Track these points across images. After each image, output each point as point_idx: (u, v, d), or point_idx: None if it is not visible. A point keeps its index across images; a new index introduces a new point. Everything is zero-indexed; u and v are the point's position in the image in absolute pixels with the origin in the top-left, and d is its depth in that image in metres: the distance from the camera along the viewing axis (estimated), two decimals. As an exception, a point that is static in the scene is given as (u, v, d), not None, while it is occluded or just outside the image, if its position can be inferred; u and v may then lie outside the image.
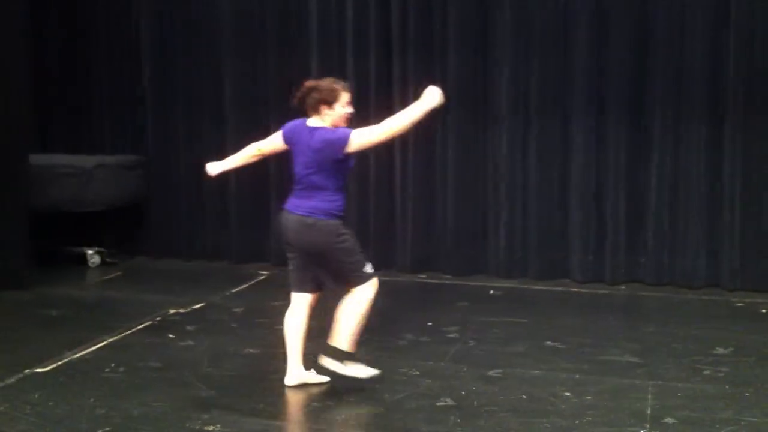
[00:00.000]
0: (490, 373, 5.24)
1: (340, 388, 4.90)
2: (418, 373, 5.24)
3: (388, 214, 8.05)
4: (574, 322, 6.39)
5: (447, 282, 7.74)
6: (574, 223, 7.60)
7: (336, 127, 4.73)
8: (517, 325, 6.30)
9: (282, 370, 4.98)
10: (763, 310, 6.72)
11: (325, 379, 4.95)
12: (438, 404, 4.74)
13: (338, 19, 7.97)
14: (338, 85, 4.76)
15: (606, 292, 7.36)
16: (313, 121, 4.77)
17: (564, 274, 7.64)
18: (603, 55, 7.41)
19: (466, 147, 7.78)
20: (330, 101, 4.71)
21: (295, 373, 4.95)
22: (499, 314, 6.60)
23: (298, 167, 4.80)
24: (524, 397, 4.85)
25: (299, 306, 4.93)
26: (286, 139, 4.90)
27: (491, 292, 7.38)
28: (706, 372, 5.27)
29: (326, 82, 4.76)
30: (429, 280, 7.81)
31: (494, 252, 7.84)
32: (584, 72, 7.44)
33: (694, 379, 5.14)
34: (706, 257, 7.34)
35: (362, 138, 4.66)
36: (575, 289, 7.43)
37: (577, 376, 5.17)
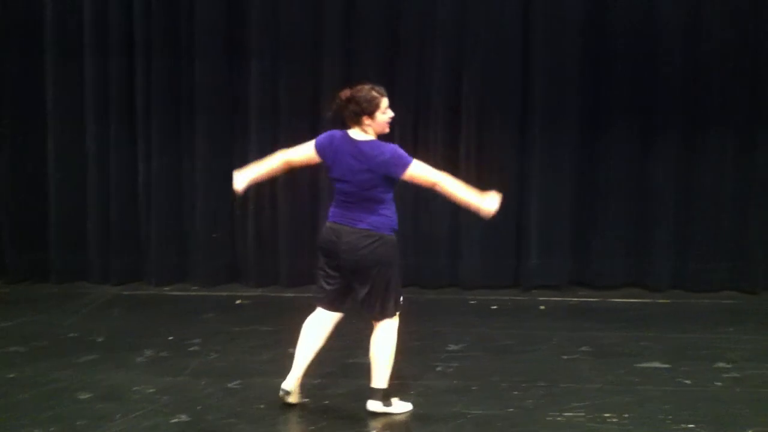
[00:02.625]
0: (230, 384, 5.18)
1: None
2: (153, 390, 5.07)
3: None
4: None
5: (194, 294, 7.57)
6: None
7: (378, 133, 4.59)
8: (263, 334, 6.27)
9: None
10: (494, 306, 7.13)
11: (298, 401, 4.83)
12: (172, 421, 4.62)
13: (77, 19, 7.61)
14: (376, 92, 4.55)
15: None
16: (356, 134, 4.57)
17: (312, 280, 7.68)
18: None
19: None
20: (371, 111, 4.52)
21: (293, 382, 4.77)
22: (246, 324, 6.54)
23: (347, 181, 4.54)
24: (263, 406, 4.82)
25: (327, 321, 4.78)
26: (321, 151, 4.61)
27: (238, 301, 7.30)
28: (439, 368, 5.50)
29: (364, 92, 4.53)
30: (175, 293, 7.60)
31: (243, 260, 7.78)
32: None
33: (427, 376, 5.35)
34: (452, 257, 7.66)
35: (420, 173, 4.53)
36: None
37: (320, 380, 5.22)
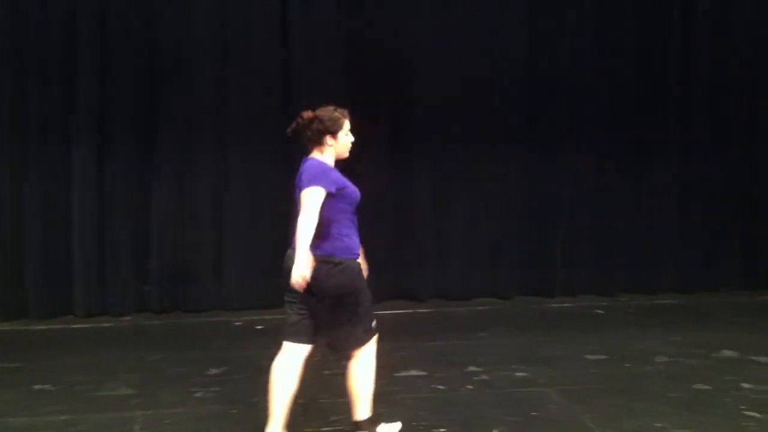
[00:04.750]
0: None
1: None
2: None
3: None
4: (71, 360, 6.12)
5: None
6: (77, 256, 7.32)
7: (339, 156, 4.35)
8: (6, 372, 5.86)
9: None
10: (259, 327, 7.08)
11: None
12: None
13: None
14: (339, 113, 4.34)
15: (110, 324, 7.21)
16: (311, 156, 4.33)
17: (67, 310, 7.31)
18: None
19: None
20: (334, 131, 4.29)
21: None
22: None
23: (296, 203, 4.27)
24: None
25: (297, 359, 4.34)
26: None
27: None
28: (198, 394, 5.36)
29: (327, 111, 4.33)
30: None
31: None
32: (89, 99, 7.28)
33: (186, 403, 5.20)
34: (216, 279, 7.53)
35: (303, 201, 4.14)
36: (78, 325, 7.16)
37: (65, 416, 4.93)
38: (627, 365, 5.94)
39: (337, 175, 4.30)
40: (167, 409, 5.05)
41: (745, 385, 5.53)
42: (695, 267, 8.46)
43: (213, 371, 5.82)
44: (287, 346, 4.39)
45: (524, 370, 5.81)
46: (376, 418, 4.56)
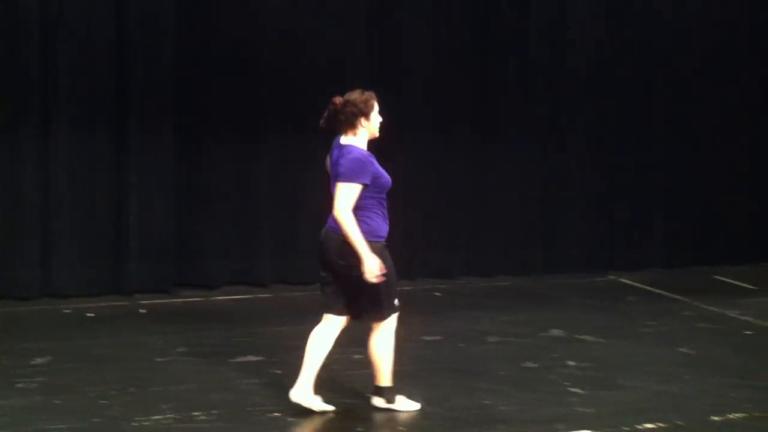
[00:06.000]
0: None
1: None
2: None
3: None
4: None
5: None
6: None
7: (372, 137, 4.64)
8: None
9: None
10: (90, 314, 6.82)
11: (329, 408, 4.76)
12: None
13: None
14: (368, 95, 4.60)
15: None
16: (345, 139, 4.61)
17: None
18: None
19: None
20: (366, 112, 4.55)
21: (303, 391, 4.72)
22: None
23: (331, 185, 4.64)
24: None
25: (333, 328, 4.75)
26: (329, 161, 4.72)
27: None
28: (20, 385, 5.10)
29: (357, 94, 4.58)
30: None
31: None
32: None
33: (7, 394, 4.93)
34: (43, 266, 7.18)
35: (337, 193, 4.51)
36: None
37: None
38: (461, 345, 6.10)
39: (374, 166, 4.57)
40: (-15, 401, 4.79)
41: (570, 363, 5.79)
42: (532, 250, 8.74)
43: (38, 360, 5.56)
44: (325, 317, 4.79)
45: (360, 353, 5.84)
46: (395, 389, 4.84)
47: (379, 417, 4.80)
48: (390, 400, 4.83)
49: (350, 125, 4.59)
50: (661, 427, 4.71)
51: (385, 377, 4.81)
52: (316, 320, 5.85)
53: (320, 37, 7.87)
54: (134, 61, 7.35)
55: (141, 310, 6.98)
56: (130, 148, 7.38)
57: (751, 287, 8.51)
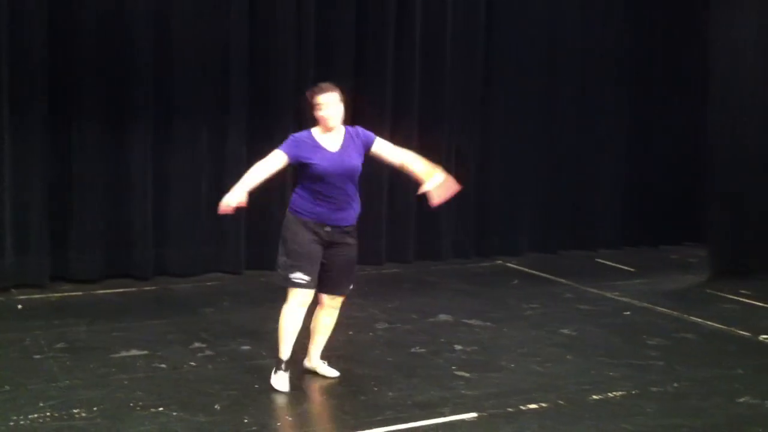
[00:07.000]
0: None
1: None
2: None
3: None
4: None
5: None
6: None
7: (324, 128, 4.95)
8: None
9: None
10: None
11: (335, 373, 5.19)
12: None
13: None
14: (308, 92, 4.94)
15: None
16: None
17: None
18: None
19: None
20: (311, 111, 4.92)
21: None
22: None
23: None
24: None
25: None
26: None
27: None
28: None
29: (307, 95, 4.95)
30: None
31: None
32: None
33: None
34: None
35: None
36: None
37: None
38: (350, 333, 6.09)
39: (299, 148, 4.85)
40: None
41: (457, 347, 5.86)
42: (418, 238, 8.82)
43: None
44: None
45: (249, 344, 5.77)
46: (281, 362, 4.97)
47: (279, 399, 4.77)
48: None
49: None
50: (543, 407, 4.82)
51: (280, 348, 4.94)
52: (200, 313, 5.78)
53: (192, 21, 7.68)
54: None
55: (18, 306, 6.68)
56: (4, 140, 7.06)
57: (630, 269, 8.84)
